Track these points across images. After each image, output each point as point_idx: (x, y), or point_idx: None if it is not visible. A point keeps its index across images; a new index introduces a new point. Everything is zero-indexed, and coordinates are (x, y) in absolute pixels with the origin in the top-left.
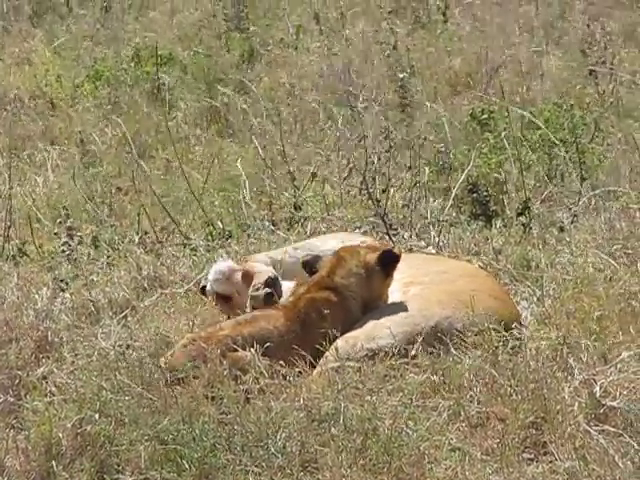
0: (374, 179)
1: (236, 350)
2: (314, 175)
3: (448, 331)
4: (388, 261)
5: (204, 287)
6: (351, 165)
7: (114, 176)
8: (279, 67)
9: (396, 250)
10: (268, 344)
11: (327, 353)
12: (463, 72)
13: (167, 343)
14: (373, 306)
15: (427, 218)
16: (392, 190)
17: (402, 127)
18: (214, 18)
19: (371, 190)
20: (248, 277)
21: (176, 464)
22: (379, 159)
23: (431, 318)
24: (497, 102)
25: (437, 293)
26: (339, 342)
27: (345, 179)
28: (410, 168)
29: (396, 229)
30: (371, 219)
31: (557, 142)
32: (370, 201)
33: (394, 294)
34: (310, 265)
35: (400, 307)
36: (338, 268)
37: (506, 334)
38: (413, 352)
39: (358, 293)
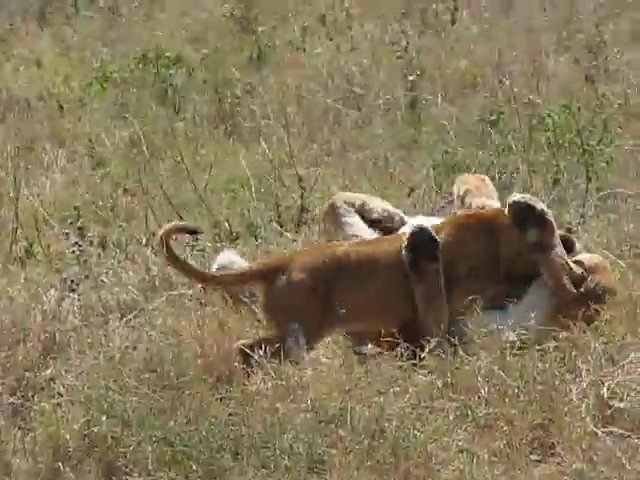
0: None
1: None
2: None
3: None
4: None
5: None
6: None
7: (122, 177)
8: (287, 69)
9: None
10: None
11: None
12: (471, 73)
13: (175, 344)
14: None
15: None
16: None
17: (410, 128)
18: (222, 19)
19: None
20: None
21: (183, 465)
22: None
23: None
24: (505, 103)
25: None
26: None
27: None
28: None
29: None
30: None
31: (564, 144)
32: None
33: None
34: None
35: None
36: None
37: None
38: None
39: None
